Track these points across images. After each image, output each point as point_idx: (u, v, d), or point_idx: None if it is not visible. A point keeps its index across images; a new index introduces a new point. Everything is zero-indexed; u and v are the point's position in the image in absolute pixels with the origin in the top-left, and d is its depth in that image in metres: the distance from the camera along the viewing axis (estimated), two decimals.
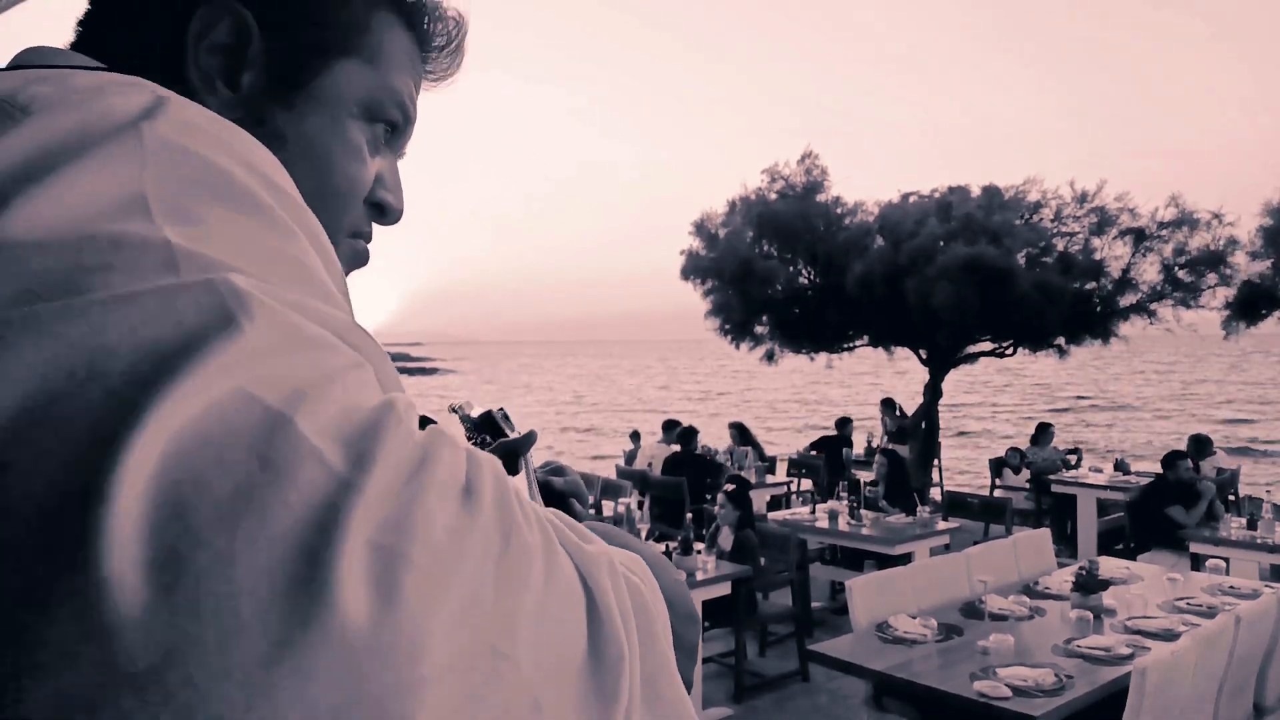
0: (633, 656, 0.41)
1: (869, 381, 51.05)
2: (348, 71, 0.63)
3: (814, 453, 10.99)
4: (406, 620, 0.32)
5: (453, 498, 0.36)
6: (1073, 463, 9.96)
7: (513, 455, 0.88)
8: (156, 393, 0.32)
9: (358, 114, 0.64)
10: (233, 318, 0.35)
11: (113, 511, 0.29)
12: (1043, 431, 10.32)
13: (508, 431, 0.98)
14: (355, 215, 0.66)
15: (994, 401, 41.02)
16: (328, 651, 0.30)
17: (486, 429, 0.97)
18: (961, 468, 19.38)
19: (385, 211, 0.69)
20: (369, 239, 0.69)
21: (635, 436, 11.59)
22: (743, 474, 8.22)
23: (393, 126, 0.67)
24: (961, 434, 27.95)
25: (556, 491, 0.89)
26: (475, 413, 0.98)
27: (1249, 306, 10.30)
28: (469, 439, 0.94)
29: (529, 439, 0.90)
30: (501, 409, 1.03)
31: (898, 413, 11.74)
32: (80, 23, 0.60)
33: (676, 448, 9.63)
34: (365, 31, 0.64)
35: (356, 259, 0.69)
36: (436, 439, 0.38)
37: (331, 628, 0.30)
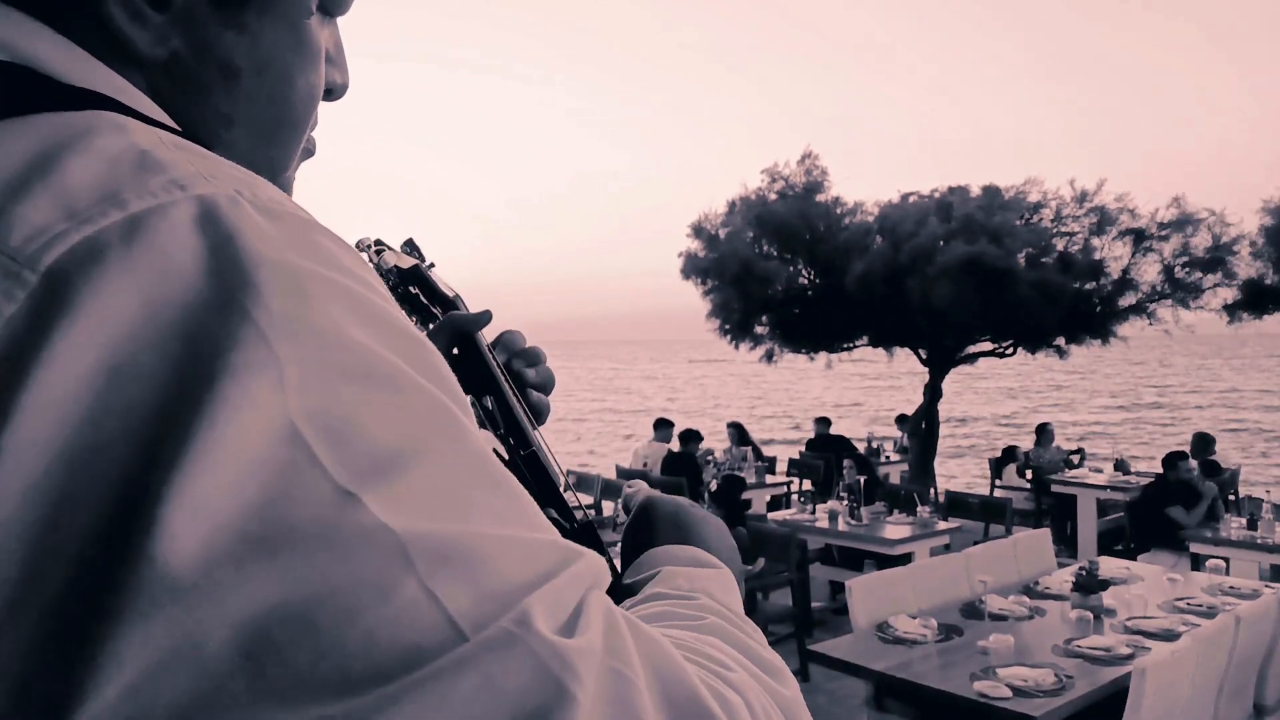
0: None
1: (862, 386, 50.98)
2: None
3: (815, 454, 10.96)
4: None
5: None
6: (1075, 462, 9.94)
7: (465, 335, 0.76)
8: None
9: (313, 10, 0.52)
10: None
11: None
12: (1043, 431, 10.31)
13: (438, 286, 0.80)
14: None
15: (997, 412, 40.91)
16: None
17: (413, 281, 0.79)
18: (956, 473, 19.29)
19: (332, 92, 0.58)
20: (315, 125, 0.59)
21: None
22: (741, 475, 8.19)
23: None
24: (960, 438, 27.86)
25: (529, 383, 0.80)
26: (397, 261, 0.79)
27: (1252, 305, 10.28)
28: (391, 288, 0.77)
29: (483, 318, 0.77)
30: (414, 247, 0.83)
31: (910, 428, 11.76)
32: None
33: (672, 447, 9.62)
34: None
35: (306, 155, 0.58)
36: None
37: None
